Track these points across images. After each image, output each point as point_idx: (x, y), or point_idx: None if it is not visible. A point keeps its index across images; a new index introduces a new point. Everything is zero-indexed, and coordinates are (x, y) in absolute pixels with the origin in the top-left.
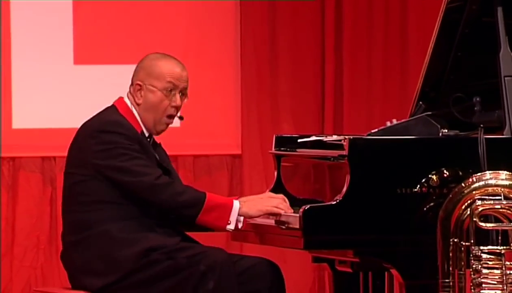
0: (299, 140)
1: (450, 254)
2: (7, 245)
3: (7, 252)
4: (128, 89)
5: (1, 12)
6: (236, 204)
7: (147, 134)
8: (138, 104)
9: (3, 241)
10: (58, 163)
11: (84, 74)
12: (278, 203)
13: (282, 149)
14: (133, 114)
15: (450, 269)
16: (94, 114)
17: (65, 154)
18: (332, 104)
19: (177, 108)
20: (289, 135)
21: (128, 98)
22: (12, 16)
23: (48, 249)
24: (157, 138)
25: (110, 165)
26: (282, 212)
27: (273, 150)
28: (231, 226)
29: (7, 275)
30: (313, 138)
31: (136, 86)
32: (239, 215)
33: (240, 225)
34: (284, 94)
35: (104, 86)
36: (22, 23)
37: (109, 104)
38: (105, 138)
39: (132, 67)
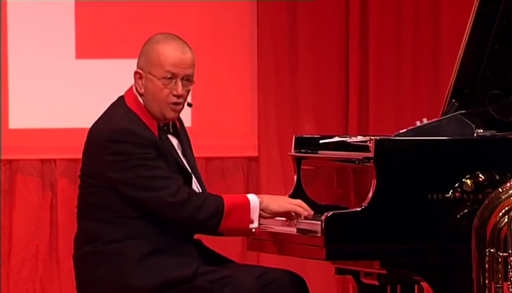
0: (320, 141)
1: (486, 266)
2: (4, 255)
3: (3, 262)
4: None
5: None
6: (254, 199)
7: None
8: (141, 94)
9: None
10: (59, 166)
11: (87, 69)
12: (300, 202)
13: (302, 150)
14: (142, 106)
15: (486, 281)
16: (104, 111)
17: (67, 156)
18: (357, 102)
19: (179, 97)
20: (310, 136)
21: (135, 87)
22: (9, 8)
23: (48, 259)
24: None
25: (123, 179)
26: (305, 213)
27: (292, 152)
28: (254, 225)
29: (3, 288)
30: (336, 139)
31: (136, 74)
32: (260, 209)
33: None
34: (305, 91)
35: (108, 82)
36: (20, 15)
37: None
38: (116, 149)
39: None
